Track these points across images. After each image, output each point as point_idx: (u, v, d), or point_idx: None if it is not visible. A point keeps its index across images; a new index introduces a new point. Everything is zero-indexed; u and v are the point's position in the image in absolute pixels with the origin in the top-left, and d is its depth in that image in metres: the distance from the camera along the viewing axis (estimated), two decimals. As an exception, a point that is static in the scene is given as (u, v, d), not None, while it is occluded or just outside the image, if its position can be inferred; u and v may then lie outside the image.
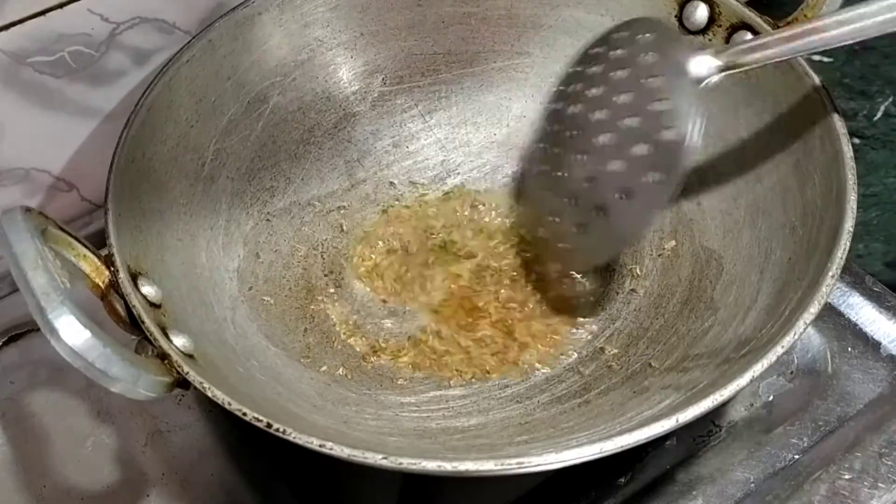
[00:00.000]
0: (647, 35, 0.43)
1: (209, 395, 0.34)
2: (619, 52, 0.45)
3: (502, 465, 0.32)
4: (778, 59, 0.40)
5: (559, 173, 0.47)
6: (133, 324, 0.37)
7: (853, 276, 0.49)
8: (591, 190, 0.44)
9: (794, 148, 0.44)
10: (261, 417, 0.33)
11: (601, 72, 0.45)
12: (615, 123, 0.43)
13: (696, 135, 0.38)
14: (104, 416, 0.47)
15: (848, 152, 0.40)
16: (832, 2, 0.43)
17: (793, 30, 0.39)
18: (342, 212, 0.53)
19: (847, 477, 0.42)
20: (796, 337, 0.35)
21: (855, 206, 0.39)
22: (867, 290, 0.49)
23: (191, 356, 0.37)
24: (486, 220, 0.53)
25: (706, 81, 0.40)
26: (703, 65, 0.40)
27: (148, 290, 0.38)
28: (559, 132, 0.48)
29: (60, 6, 0.46)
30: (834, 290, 0.42)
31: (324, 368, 0.46)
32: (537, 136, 0.52)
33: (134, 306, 0.36)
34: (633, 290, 0.48)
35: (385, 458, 0.32)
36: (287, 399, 0.42)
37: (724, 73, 0.40)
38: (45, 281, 0.31)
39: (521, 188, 0.53)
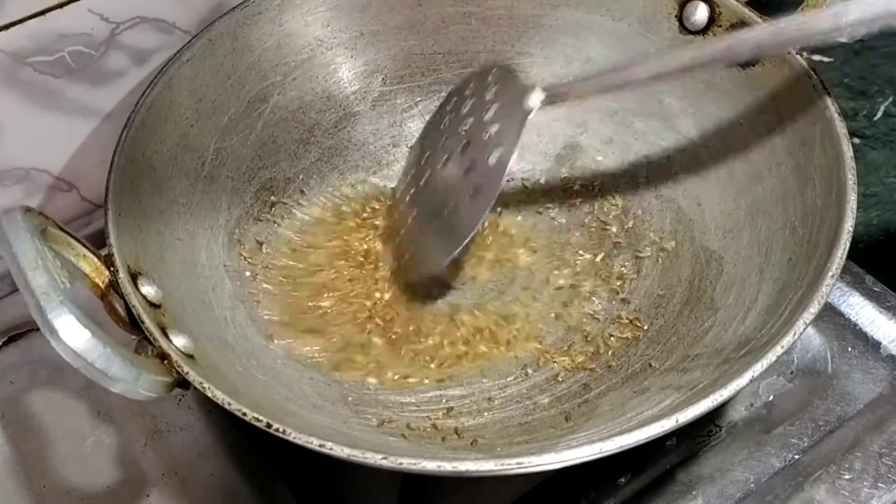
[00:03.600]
0: (493, 77, 0.48)
1: (209, 395, 0.34)
2: (471, 89, 0.50)
3: (502, 465, 0.32)
4: (590, 96, 0.46)
5: (414, 190, 0.51)
6: (133, 324, 0.37)
7: (853, 276, 0.49)
8: (437, 201, 0.48)
9: (794, 148, 0.44)
10: (261, 417, 0.33)
11: (454, 106, 0.51)
12: (458, 147, 0.48)
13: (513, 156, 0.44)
14: (104, 416, 0.47)
15: (848, 152, 0.40)
16: (832, 1, 0.43)
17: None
18: (342, 211, 0.52)
19: (847, 477, 0.42)
20: (796, 337, 0.35)
21: (855, 206, 0.39)
22: (867, 290, 0.49)
23: (191, 356, 0.37)
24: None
25: (532, 112, 0.44)
26: (532, 98, 0.44)
27: (148, 289, 0.38)
28: (422, 155, 0.52)
29: (60, 6, 0.46)
30: (834, 290, 0.42)
31: (324, 368, 0.46)
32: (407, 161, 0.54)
33: (134, 306, 0.36)
34: (633, 290, 0.48)
35: (385, 458, 0.32)
36: (287, 399, 0.42)
37: (548, 105, 0.45)
38: (44, 281, 0.31)
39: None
